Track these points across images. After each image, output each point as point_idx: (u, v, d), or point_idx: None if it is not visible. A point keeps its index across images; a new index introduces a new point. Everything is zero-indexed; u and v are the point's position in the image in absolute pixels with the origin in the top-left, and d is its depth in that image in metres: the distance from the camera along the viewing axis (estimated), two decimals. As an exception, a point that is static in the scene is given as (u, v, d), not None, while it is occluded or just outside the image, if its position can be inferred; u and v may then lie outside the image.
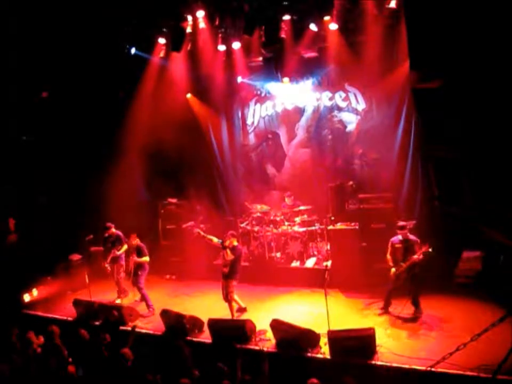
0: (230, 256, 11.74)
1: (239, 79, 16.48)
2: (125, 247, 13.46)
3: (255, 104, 17.21)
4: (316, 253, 14.67)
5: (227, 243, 11.85)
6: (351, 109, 15.47)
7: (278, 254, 14.65)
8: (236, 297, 12.03)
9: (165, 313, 11.80)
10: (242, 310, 12.23)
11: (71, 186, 16.19)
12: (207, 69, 15.74)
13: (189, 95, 17.27)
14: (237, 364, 8.62)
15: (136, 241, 13.09)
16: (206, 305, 13.02)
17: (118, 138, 16.05)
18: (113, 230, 13.57)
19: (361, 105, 15.28)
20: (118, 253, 13.39)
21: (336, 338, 9.72)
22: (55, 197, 16.13)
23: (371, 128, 15.13)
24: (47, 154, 16.22)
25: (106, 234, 13.61)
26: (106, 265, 13.49)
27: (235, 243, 11.90)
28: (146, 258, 13.03)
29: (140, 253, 12.96)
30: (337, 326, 10.27)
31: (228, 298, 11.81)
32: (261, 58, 15.41)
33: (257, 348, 10.39)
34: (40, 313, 13.76)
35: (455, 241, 12.16)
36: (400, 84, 14.00)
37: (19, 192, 15.69)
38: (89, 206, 15.89)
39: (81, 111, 16.02)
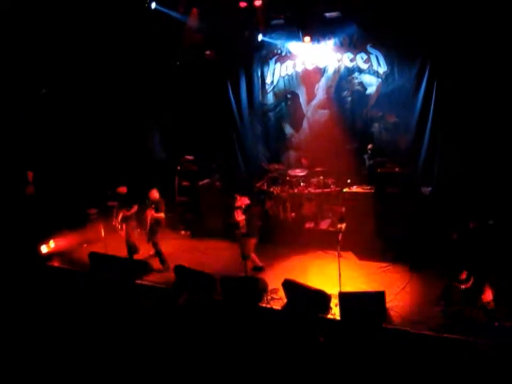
0: (240, 216, 11.74)
1: (260, 37, 16.24)
2: (135, 208, 13.45)
3: (275, 63, 16.99)
4: (330, 214, 14.69)
5: (238, 203, 11.84)
6: (372, 71, 15.24)
7: (293, 215, 14.70)
8: (253, 256, 12.13)
9: (179, 269, 11.96)
10: (258, 268, 12.33)
11: (90, 141, 16.25)
12: (228, 26, 15.55)
13: (208, 52, 17.10)
14: None
15: (156, 196, 13.09)
16: (219, 262, 13.15)
17: (136, 95, 16.02)
18: (126, 190, 13.52)
19: (382, 68, 15.04)
20: (128, 213, 13.42)
21: (346, 300, 9.83)
22: (74, 151, 16.21)
23: (391, 91, 14.91)
24: (66, 108, 16.24)
25: (119, 193, 13.59)
26: (117, 223, 13.53)
27: (247, 202, 11.88)
28: (162, 215, 13.07)
29: (157, 208, 12.99)
30: (349, 288, 10.38)
31: (245, 256, 11.88)
32: (282, 17, 15.20)
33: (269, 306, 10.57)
34: (56, 265, 14.03)
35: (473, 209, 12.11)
36: (423, 47, 13.79)
37: (38, 145, 15.79)
38: (108, 161, 15.98)
39: (101, 66, 15.95)
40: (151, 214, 12.91)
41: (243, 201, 11.85)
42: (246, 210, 11.77)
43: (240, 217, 11.77)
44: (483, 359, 8.11)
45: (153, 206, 12.92)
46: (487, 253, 9.28)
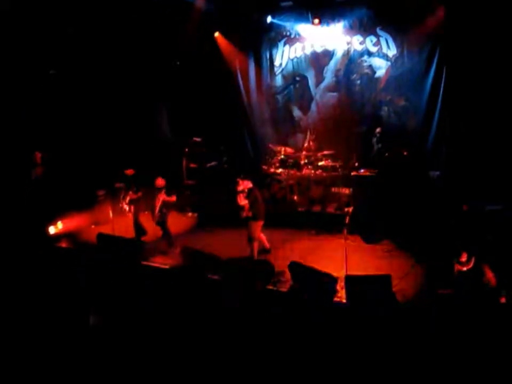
0: (243, 200, 11.69)
1: (269, 19, 16.19)
2: (142, 191, 13.46)
3: (284, 45, 16.94)
4: (337, 198, 14.66)
5: (240, 188, 11.78)
6: (382, 54, 15.17)
7: (300, 198, 14.69)
8: (262, 237, 12.09)
9: (186, 250, 11.99)
10: (266, 251, 12.32)
11: (99, 123, 16.25)
12: (237, 7, 15.48)
13: (217, 34, 17.04)
14: None
15: (161, 183, 13.09)
16: (226, 243, 13.17)
17: (145, 76, 15.99)
18: (133, 172, 13.52)
19: (392, 51, 14.96)
20: (135, 196, 13.41)
21: (353, 283, 9.82)
22: (82, 133, 16.23)
23: (401, 74, 14.87)
24: (74, 89, 16.23)
25: (127, 175, 13.60)
26: (125, 205, 13.56)
27: (250, 185, 11.77)
28: (174, 198, 13.08)
29: (168, 192, 13.00)
30: (355, 271, 10.38)
31: (251, 239, 11.87)
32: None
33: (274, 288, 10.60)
34: (64, 246, 14.10)
35: (479, 192, 12.08)
36: (433, 30, 13.67)
37: (46, 127, 15.81)
38: (116, 142, 16.00)
39: (108, 47, 15.91)
40: (163, 197, 12.92)
41: (245, 185, 11.70)
42: (249, 195, 11.68)
43: (243, 201, 11.70)
44: (490, 343, 8.13)
45: (164, 190, 12.95)
46: (485, 234, 9.29)
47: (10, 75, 14.93)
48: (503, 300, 9.04)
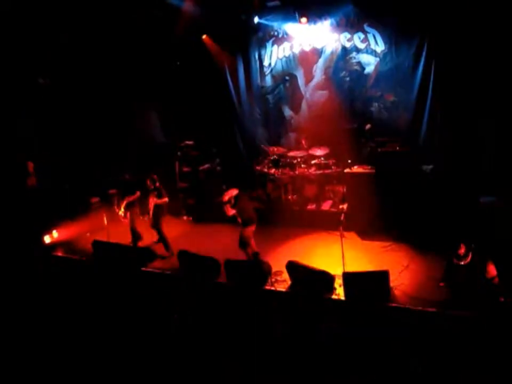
0: (230, 211, 11.63)
1: (256, 20, 16.18)
2: (137, 194, 13.45)
3: (272, 45, 16.92)
4: (332, 195, 14.71)
5: (226, 198, 11.61)
6: (370, 50, 15.16)
7: (294, 197, 14.72)
8: (252, 241, 12.06)
9: (183, 254, 12.00)
10: (255, 254, 12.28)
11: (89, 129, 16.21)
12: (224, 9, 15.47)
13: (204, 36, 17.02)
14: None
15: (156, 182, 13.09)
16: (223, 246, 13.17)
17: (135, 80, 15.97)
18: (128, 177, 13.50)
19: (380, 47, 14.96)
20: (131, 200, 13.40)
21: (350, 280, 9.87)
22: (74, 140, 16.18)
23: (390, 70, 14.87)
24: (65, 97, 16.19)
25: (121, 180, 13.59)
26: (120, 212, 13.54)
27: (234, 193, 11.66)
28: (165, 199, 13.10)
29: (160, 195, 13.01)
30: (352, 268, 10.40)
31: (243, 244, 11.84)
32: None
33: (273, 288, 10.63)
34: (60, 254, 14.06)
35: (471, 187, 12.12)
36: (420, 24, 13.71)
37: (38, 136, 15.76)
38: (108, 148, 15.96)
39: (99, 53, 15.88)
40: (154, 201, 12.94)
41: (231, 193, 11.63)
42: (235, 203, 11.60)
43: (230, 212, 11.65)
44: (487, 335, 8.17)
45: (155, 192, 12.96)
46: (486, 229, 9.29)
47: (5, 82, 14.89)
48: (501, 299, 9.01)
